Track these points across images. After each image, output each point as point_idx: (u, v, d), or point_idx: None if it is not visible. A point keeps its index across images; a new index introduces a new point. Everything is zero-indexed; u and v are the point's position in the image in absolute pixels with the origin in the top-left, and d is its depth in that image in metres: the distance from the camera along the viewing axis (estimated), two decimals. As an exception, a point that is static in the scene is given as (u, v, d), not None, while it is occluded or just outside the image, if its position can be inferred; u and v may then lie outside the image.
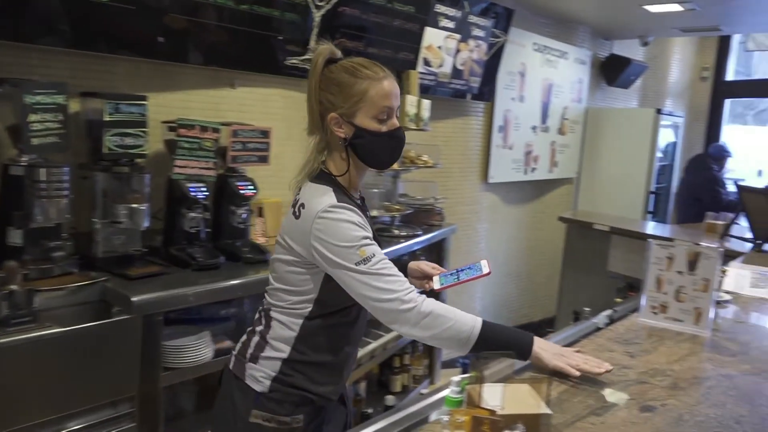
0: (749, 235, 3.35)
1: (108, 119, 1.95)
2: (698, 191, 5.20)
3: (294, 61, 2.70)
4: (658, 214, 5.30)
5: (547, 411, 0.99)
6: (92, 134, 2.02)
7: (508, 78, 4.15)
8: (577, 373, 1.29)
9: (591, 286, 3.95)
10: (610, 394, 1.26)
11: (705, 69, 6.39)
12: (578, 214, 4.57)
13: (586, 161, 5.20)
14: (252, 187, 2.40)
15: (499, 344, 1.28)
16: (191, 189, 2.18)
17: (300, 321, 1.38)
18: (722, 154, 5.43)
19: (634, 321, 1.77)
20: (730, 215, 3.64)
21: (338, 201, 1.31)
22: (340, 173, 1.38)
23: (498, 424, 0.90)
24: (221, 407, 1.45)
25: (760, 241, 3.14)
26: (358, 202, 1.44)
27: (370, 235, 1.32)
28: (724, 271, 2.04)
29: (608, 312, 1.88)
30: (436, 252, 3.49)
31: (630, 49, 5.34)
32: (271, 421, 1.36)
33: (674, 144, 5.61)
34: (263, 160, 2.49)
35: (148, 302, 1.84)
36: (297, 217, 1.34)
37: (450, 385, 1.15)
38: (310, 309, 1.37)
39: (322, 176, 1.37)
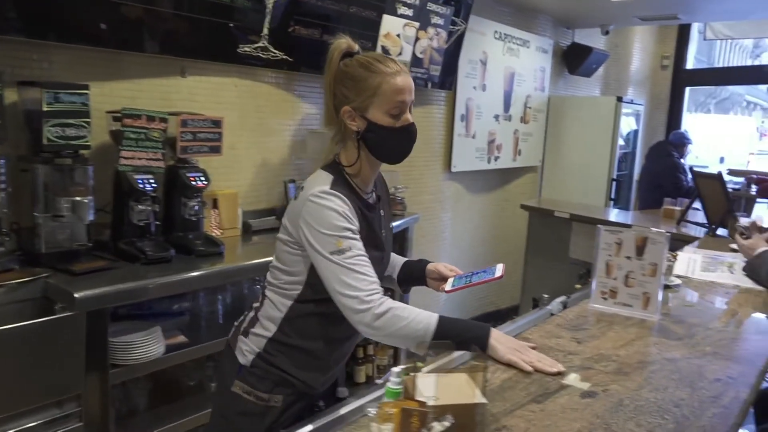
0: (704, 221, 3.39)
1: (47, 109, 1.87)
2: (659, 178, 5.27)
3: (247, 49, 2.63)
4: (620, 201, 5.35)
5: (482, 400, 0.97)
6: (31, 125, 1.94)
7: (470, 67, 4.14)
8: (530, 369, 1.29)
9: (553, 272, 3.97)
10: (573, 380, 1.25)
11: (665, 57, 6.47)
12: (540, 201, 4.59)
13: (550, 149, 5.22)
14: (204, 179, 2.34)
15: (456, 339, 1.28)
16: (139, 181, 2.11)
17: (289, 303, 1.41)
18: (683, 141, 5.51)
19: (585, 307, 1.77)
20: (687, 201, 3.68)
21: (331, 188, 1.33)
22: (349, 164, 1.40)
23: (427, 415, 0.87)
24: (217, 374, 1.57)
25: (714, 226, 3.17)
26: (368, 196, 1.45)
27: (355, 228, 1.32)
28: (674, 256, 2.05)
29: (562, 298, 1.87)
30: (399, 242, 3.47)
31: (591, 38, 5.37)
32: (250, 394, 1.42)
33: (636, 132, 5.67)
34: (215, 150, 2.43)
35: (92, 298, 1.78)
36: (295, 198, 1.39)
37: (390, 375, 1.12)
38: (299, 291, 1.40)
39: (331, 165, 1.41)
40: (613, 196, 5.05)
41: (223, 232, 2.63)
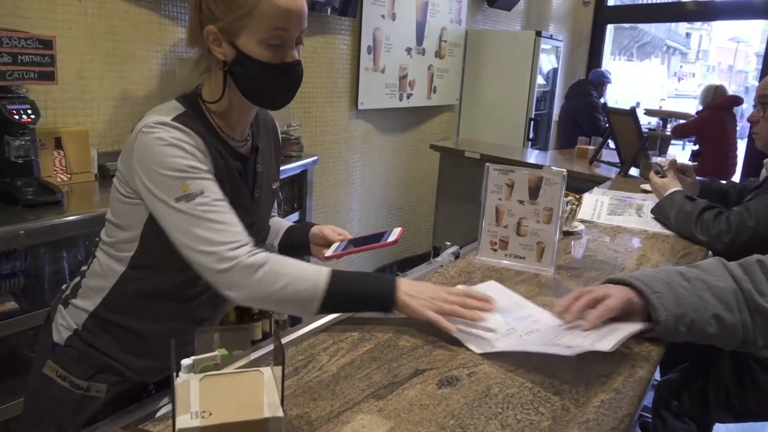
0: (617, 160, 3.23)
1: None
2: (578, 117, 5.12)
3: (89, -45, 2.14)
4: (538, 141, 5.17)
5: (275, 413, 0.66)
6: None
7: (377, -8, 3.72)
8: (454, 329, 1.02)
9: (465, 217, 3.76)
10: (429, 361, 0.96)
11: (588, -7, 6.22)
12: (457, 142, 4.32)
13: (468, 87, 4.92)
14: (31, 112, 1.90)
15: (355, 298, 1.04)
16: (-68, 114, 1.66)
17: (120, 269, 1.14)
18: (602, 80, 5.36)
19: (472, 260, 1.50)
20: (600, 139, 3.50)
21: (173, 120, 1.04)
22: (212, 100, 1.12)
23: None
24: (36, 349, 1.27)
25: (626, 166, 3.01)
26: (239, 144, 1.18)
27: (205, 168, 1.04)
28: (578, 199, 1.81)
29: (453, 249, 1.62)
30: (297, 186, 3.13)
31: (512, -32, 5.02)
32: (64, 379, 1.16)
33: (556, 70, 5.44)
34: (47, 77, 1.97)
35: None
36: (131, 132, 1.08)
37: (180, 369, 0.80)
38: (132, 254, 1.13)
39: (189, 97, 1.12)
40: (531, 136, 4.84)
41: (72, 178, 2.20)
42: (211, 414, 0.66)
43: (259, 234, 1.28)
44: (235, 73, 1.08)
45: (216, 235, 1.00)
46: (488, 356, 0.99)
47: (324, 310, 1.03)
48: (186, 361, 0.78)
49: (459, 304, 1.05)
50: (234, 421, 0.65)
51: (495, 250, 1.48)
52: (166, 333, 1.18)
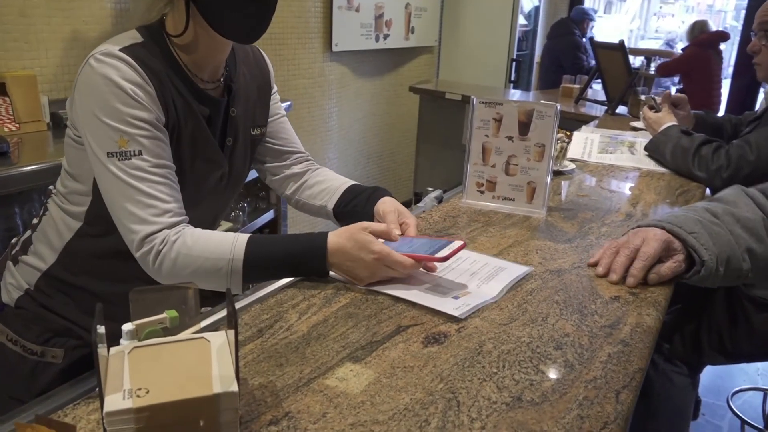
0: (604, 98, 3.11)
1: None
2: (560, 57, 4.96)
3: None
4: (520, 82, 5.01)
5: (229, 388, 0.54)
6: None
7: (349, -77, 3.47)
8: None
9: (447, 162, 3.66)
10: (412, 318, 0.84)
11: (570, -74, 5.94)
12: (431, 84, 4.17)
13: (447, 27, 4.71)
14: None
15: (279, 268, 0.95)
16: None
17: (75, 224, 1.06)
18: (584, 17, 5.17)
19: (457, 204, 1.38)
20: (586, 78, 3.36)
21: (122, 50, 0.92)
22: (176, 33, 0.99)
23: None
24: None
25: (614, 103, 2.89)
26: (210, 85, 1.06)
27: (151, 117, 0.94)
28: (568, 135, 1.69)
29: (437, 193, 1.50)
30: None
31: None
32: (15, 343, 1.09)
33: (537, 8, 5.23)
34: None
35: None
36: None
37: (122, 334, 0.67)
38: (86, 208, 1.04)
39: (150, 28, 0.99)
40: (513, 78, 4.68)
41: (21, 127, 2.02)
42: (147, 392, 0.54)
43: (235, 187, 1.20)
44: (199, 1, 0.95)
45: (141, 211, 0.93)
46: (481, 308, 0.88)
47: (248, 281, 0.96)
48: (127, 327, 0.66)
49: (400, 268, 0.94)
50: (176, 400, 0.54)
51: (482, 192, 1.36)
52: (127, 295, 1.06)
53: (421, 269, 0.98)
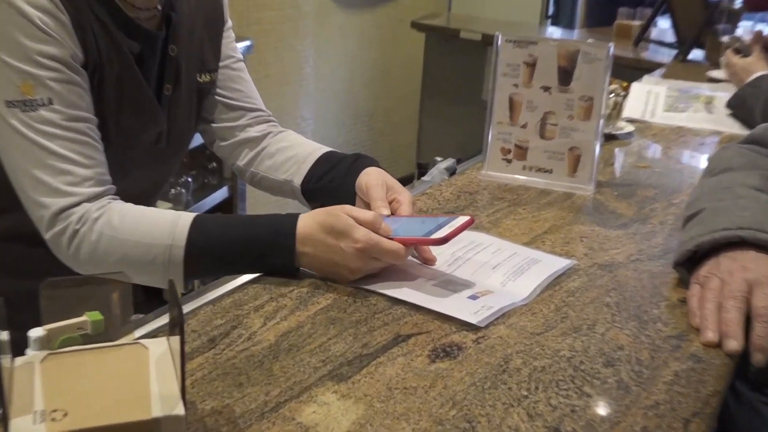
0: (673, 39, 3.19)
1: None
2: (614, -16, 4.99)
3: None
4: (561, 18, 5.04)
5: (174, 411, 0.55)
6: None
7: None
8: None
9: (461, 124, 3.70)
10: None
11: None
12: (441, 18, 4.22)
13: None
14: None
15: (232, 261, 0.97)
16: None
17: None
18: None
19: (475, 176, 1.42)
20: (649, 12, 3.40)
21: None
22: None
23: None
24: None
25: (686, 47, 2.94)
26: (144, 14, 1.08)
27: (65, 56, 0.96)
28: (625, 87, 1.73)
29: (448, 163, 1.55)
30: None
31: None
32: None
33: None
34: None
35: None
36: None
37: (29, 343, 0.69)
38: None
39: None
40: (551, 12, 4.72)
41: None
42: (66, 414, 0.56)
43: (176, 152, 1.24)
44: None
45: (52, 179, 0.94)
46: (506, 313, 0.90)
47: (192, 276, 0.98)
48: (35, 333, 0.68)
49: (392, 258, 0.96)
50: (104, 425, 0.55)
51: (509, 161, 1.40)
52: (34, 294, 1.08)
53: (415, 259, 1.01)
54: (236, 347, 0.81)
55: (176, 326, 0.59)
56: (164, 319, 0.88)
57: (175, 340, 0.60)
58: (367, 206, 1.09)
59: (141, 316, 0.92)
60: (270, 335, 0.84)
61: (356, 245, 0.93)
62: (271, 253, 0.96)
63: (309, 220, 0.95)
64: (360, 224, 0.95)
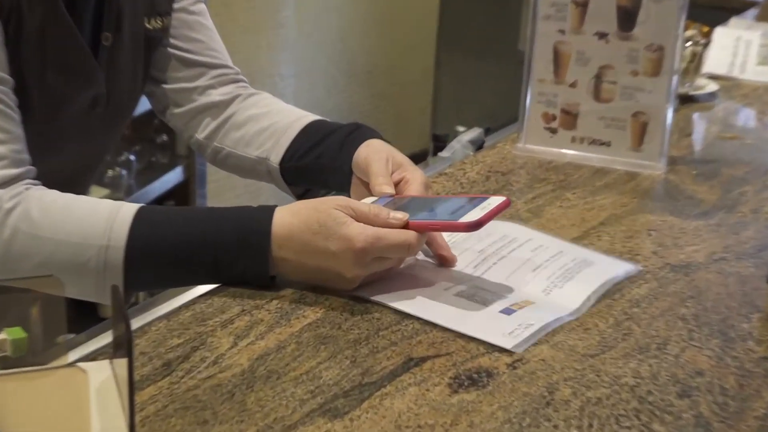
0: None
1: None
2: None
3: None
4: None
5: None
6: None
7: None
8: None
9: (490, 83, 3.75)
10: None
11: None
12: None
13: None
14: None
15: (186, 269, 1.00)
16: None
17: None
18: None
19: (508, 151, 1.47)
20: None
21: None
22: None
23: None
24: None
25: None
26: None
27: None
28: (706, 33, 1.74)
29: (473, 134, 1.59)
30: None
31: None
32: None
33: None
34: None
35: None
36: None
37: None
38: None
39: None
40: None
41: None
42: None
43: (116, 121, 1.28)
44: None
45: None
46: (551, 330, 0.92)
47: (134, 287, 1.01)
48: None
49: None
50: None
51: (553, 131, 1.44)
52: None
53: (429, 259, 1.02)
54: (199, 374, 0.83)
55: (122, 346, 0.60)
56: (103, 340, 0.90)
57: (121, 363, 0.61)
58: (367, 188, 1.12)
59: (72, 336, 0.94)
60: (242, 359, 0.86)
61: (354, 247, 0.94)
62: (238, 258, 0.97)
63: (289, 216, 0.97)
64: (359, 219, 0.96)
